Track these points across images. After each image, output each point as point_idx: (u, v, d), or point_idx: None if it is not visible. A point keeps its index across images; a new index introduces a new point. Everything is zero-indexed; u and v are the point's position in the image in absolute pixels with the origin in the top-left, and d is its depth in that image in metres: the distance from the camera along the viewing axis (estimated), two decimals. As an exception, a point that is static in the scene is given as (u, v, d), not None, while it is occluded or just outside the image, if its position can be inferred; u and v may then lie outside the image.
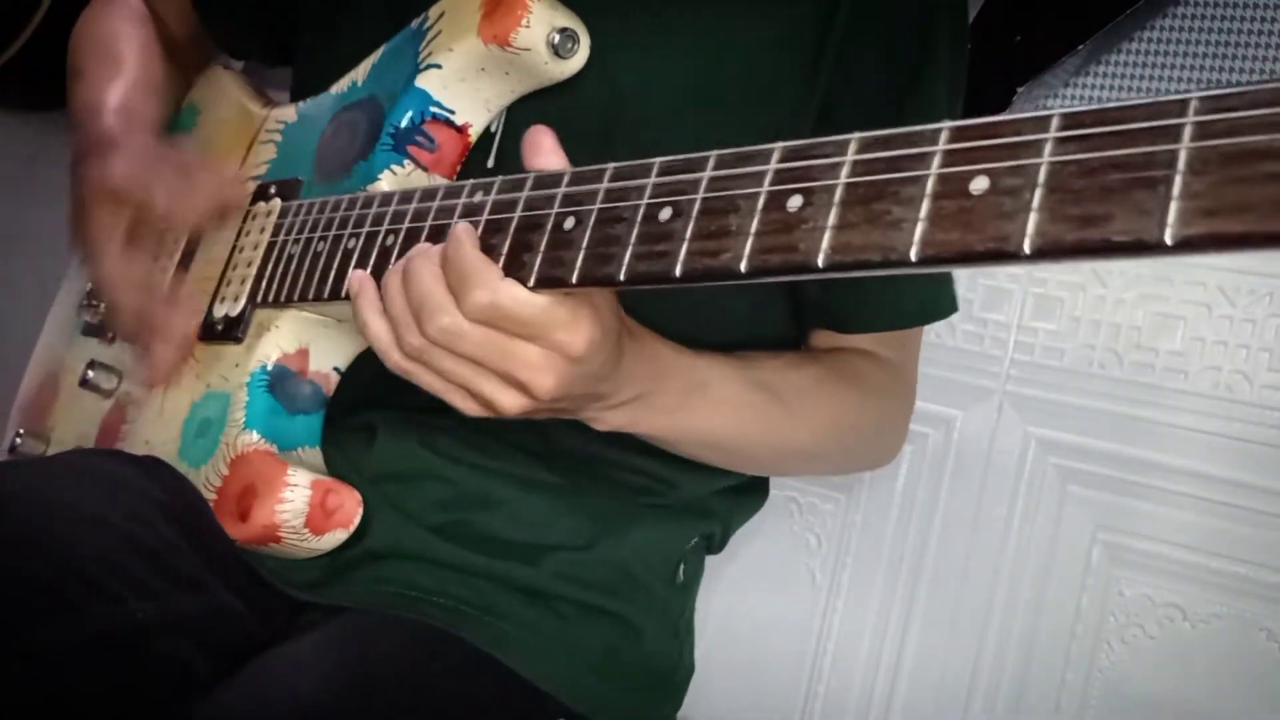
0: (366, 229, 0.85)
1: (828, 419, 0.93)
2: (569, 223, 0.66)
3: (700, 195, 0.58)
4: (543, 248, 0.67)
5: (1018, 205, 0.42)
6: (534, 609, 0.94)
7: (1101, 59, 1.23)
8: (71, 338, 1.22)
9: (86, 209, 0.99)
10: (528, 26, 0.87)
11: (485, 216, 0.71)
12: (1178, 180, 0.38)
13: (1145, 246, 0.38)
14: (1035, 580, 1.13)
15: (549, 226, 0.67)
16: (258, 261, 0.99)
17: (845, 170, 0.50)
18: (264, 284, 0.97)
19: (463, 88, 0.93)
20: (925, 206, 0.46)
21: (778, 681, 1.23)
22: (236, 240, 1.04)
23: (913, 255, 0.45)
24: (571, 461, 0.97)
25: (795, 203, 0.52)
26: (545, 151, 0.71)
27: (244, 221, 1.05)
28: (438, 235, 0.76)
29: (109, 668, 0.74)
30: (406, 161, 0.93)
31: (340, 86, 1.04)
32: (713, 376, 0.85)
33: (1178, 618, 1.08)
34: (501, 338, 0.69)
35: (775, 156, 0.55)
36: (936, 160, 0.46)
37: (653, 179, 0.62)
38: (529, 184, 0.70)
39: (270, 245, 0.98)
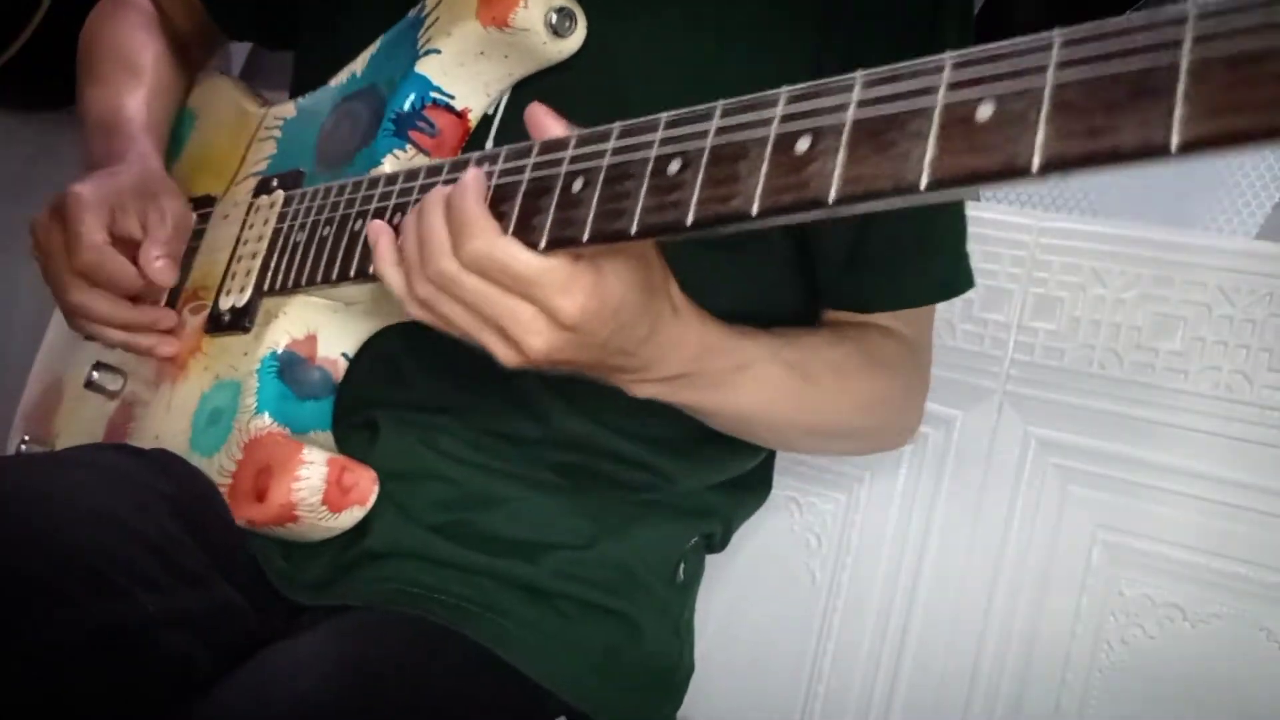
0: (374, 207, 0.85)
1: (860, 398, 0.94)
2: (578, 184, 0.66)
3: (708, 143, 0.58)
4: (552, 209, 0.67)
5: (1024, 125, 0.43)
6: (535, 607, 0.94)
7: None
8: (73, 342, 1.22)
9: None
10: (526, 7, 0.88)
11: (494, 183, 0.72)
12: (1180, 87, 0.38)
13: (1153, 152, 0.39)
14: (1035, 580, 1.12)
15: (558, 189, 0.67)
16: (263, 251, 1.00)
17: (852, 107, 0.51)
18: (270, 272, 0.97)
19: (462, 72, 0.94)
20: (933, 134, 0.46)
21: (778, 681, 1.23)
22: (240, 234, 1.05)
23: (924, 181, 0.46)
24: (571, 454, 0.97)
25: (804, 144, 0.53)
26: (549, 124, 0.72)
27: (246, 214, 1.06)
28: (444, 210, 0.77)
29: (111, 663, 0.74)
30: (409, 146, 0.94)
31: (339, 79, 1.05)
32: (756, 356, 0.85)
33: (1178, 618, 1.07)
34: (495, 290, 0.70)
35: (781, 101, 0.56)
36: (942, 89, 0.47)
37: (660, 133, 0.62)
38: (535, 150, 0.71)
39: (276, 233, 0.99)
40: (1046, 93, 0.43)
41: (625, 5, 0.90)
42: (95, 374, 1.11)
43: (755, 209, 0.54)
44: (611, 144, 0.65)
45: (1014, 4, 1.38)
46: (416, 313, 0.75)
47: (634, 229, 0.61)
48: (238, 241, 1.04)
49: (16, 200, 1.92)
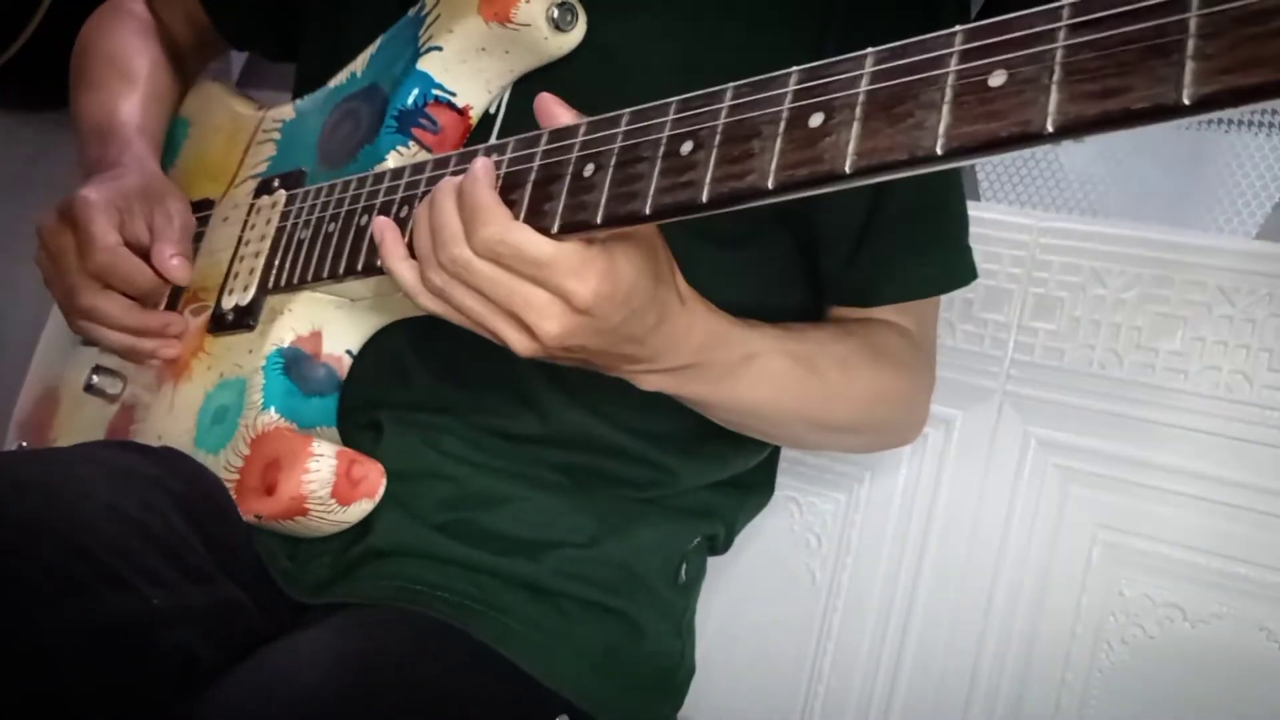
0: (380, 201, 0.86)
1: (866, 392, 0.94)
2: (589, 169, 0.67)
3: (721, 122, 0.59)
4: (564, 195, 0.67)
5: (1037, 90, 0.43)
6: (537, 605, 0.94)
7: None
8: (68, 348, 1.22)
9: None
10: (527, 1, 0.89)
11: (503, 171, 0.72)
12: (1190, 45, 0.39)
13: (1165, 110, 0.39)
14: (1035, 580, 1.12)
15: (568, 175, 0.68)
16: (266, 250, 1.00)
17: (865, 80, 0.52)
18: (275, 270, 0.98)
19: (463, 69, 0.94)
20: (947, 103, 0.47)
21: (778, 681, 1.22)
22: (241, 234, 1.05)
23: (939, 149, 0.46)
24: (573, 453, 0.97)
25: (817, 119, 0.53)
26: (558, 112, 0.72)
27: (247, 216, 1.06)
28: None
29: (116, 656, 0.74)
30: (411, 143, 0.94)
31: (339, 79, 1.06)
32: (763, 348, 0.85)
33: (1178, 618, 1.07)
34: (509, 276, 0.70)
35: (793, 79, 0.56)
36: (954, 61, 0.48)
37: (671, 116, 0.63)
38: (544, 139, 0.71)
39: (279, 231, 0.99)
40: (1058, 56, 0.43)
41: (625, 1, 0.91)
42: (95, 378, 1.10)
43: (771, 184, 0.54)
44: (622, 128, 0.66)
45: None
46: (428, 304, 0.75)
47: (648, 209, 0.61)
48: (239, 242, 1.05)
49: (16, 200, 1.93)
